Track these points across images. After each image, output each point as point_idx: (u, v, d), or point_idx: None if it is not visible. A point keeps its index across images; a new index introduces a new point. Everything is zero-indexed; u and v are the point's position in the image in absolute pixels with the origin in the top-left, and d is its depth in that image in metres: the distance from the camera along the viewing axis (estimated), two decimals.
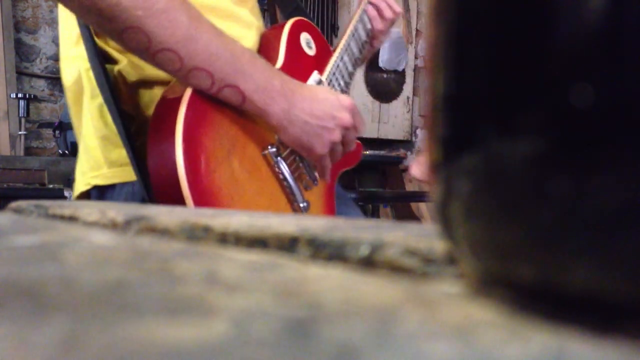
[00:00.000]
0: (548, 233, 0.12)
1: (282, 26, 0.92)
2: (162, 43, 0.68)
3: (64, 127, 2.72)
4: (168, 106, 0.73)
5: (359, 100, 3.46)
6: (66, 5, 0.69)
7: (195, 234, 0.25)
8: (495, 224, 0.13)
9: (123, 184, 0.79)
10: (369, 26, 1.04)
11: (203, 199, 0.69)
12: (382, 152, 3.14)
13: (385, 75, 3.52)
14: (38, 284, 0.14)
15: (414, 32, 3.60)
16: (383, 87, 3.54)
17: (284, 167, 0.80)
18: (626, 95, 0.11)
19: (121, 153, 0.78)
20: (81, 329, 0.11)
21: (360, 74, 3.44)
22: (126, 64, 0.79)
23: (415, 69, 3.64)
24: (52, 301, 0.13)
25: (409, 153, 3.68)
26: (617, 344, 0.11)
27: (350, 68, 0.98)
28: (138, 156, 0.76)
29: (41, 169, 2.06)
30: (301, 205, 0.82)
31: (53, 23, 3.28)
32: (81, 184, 0.82)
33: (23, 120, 2.89)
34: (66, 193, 1.81)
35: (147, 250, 0.21)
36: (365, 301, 0.14)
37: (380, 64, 3.44)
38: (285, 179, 0.80)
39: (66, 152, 2.68)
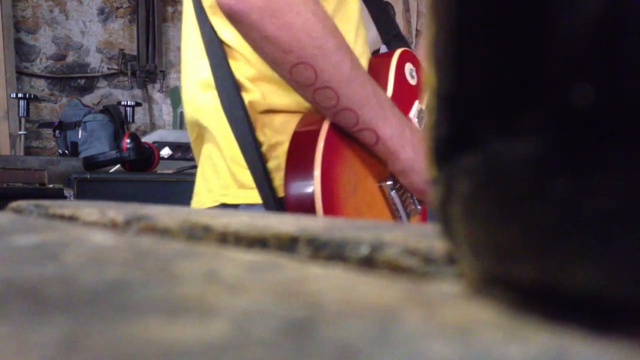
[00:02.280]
0: (548, 233, 0.12)
1: (390, 56, 0.96)
2: (326, 81, 0.74)
3: (64, 127, 2.72)
4: (306, 140, 0.79)
5: None
6: (245, 33, 0.73)
7: (195, 234, 0.25)
8: (495, 224, 0.13)
9: (247, 206, 0.83)
10: None
11: None
12: None
13: None
14: (38, 284, 0.14)
15: (414, 32, 3.60)
16: None
17: (397, 199, 0.87)
18: (626, 95, 0.11)
19: (249, 176, 0.82)
20: (81, 329, 0.11)
21: None
22: (259, 95, 0.84)
23: None
24: (52, 301, 0.13)
25: None
26: (617, 344, 0.11)
27: None
28: (266, 181, 0.81)
29: (41, 169, 2.06)
30: None
31: (53, 23, 3.28)
32: (208, 200, 0.87)
33: (23, 120, 2.89)
34: (66, 193, 1.81)
35: (147, 250, 0.21)
36: (365, 301, 0.14)
37: None
38: (397, 209, 0.87)
39: (66, 152, 2.68)
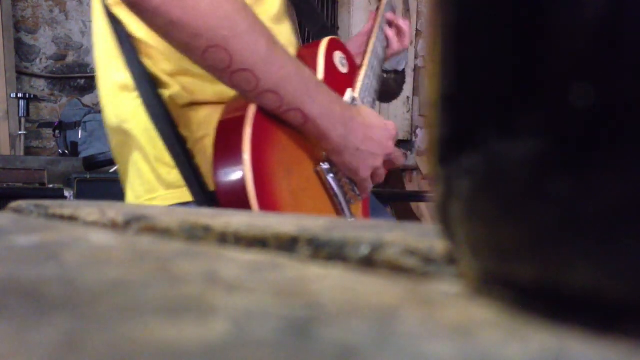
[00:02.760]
0: (548, 233, 0.12)
1: (317, 44, 0.94)
2: (242, 63, 0.70)
3: (63, 127, 2.72)
4: (232, 127, 0.75)
5: None
6: (150, 20, 0.70)
7: (195, 234, 0.25)
8: (495, 223, 0.13)
9: (180, 205, 0.81)
10: (385, 44, 1.10)
11: None
12: None
13: (385, 75, 3.52)
14: (38, 284, 0.14)
15: (414, 32, 3.60)
16: (383, 86, 3.54)
17: (335, 183, 0.83)
18: (626, 95, 0.11)
19: (176, 175, 0.80)
20: (81, 329, 0.11)
21: None
22: (178, 89, 0.82)
23: (415, 69, 3.64)
24: (52, 301, 0.13)
25: (409, 153, 3.68)
26: (617, 344, 0.11)
27: (375, 85, 1.03)
28: (195, 177, 0.78)
29: (41, 169, 2.05)
30: (349, 219, 0.85)
31: (53, 23, 3.28)
32: None
33: (23, 120, 2.89)
34: (66, 193, 1.81)
35: (147, 250, 0.21)
36: (365, 301, 0.14)
37: None
38: (335, 194, 0.83)
39: (66, 152, 2.68)
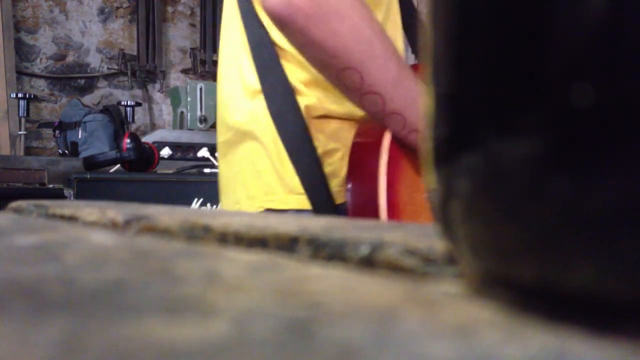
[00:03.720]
0: (548, 233, 0.12)
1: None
2: (372, 86, 0.74)
3: (64, 127, 2.72)
4: (369, 150, 0.81)
5: None
6: (292, 37, 0.73)
7: (195, 234, 0.25)
8: (495, 223, 0.13)
9: (296, 212, 0.83)
10: None
11: None
12: None
13: None
14: (38, 284, 0.14)
15: None
16: None
17: None
18: (627, 95, 0.11)
19: (298, 182, 0.82)
20: (81, 329, 0.11)
21: None
22: (315, 99, 0.84)
23: None
24: (52, 301, 0.13)
25: None
26: (617, 344, 0.11)
27: None
28: (324, 186, 0.82)
29: (41, 169, 2.05)
30: None
31: (53, 23, 3.29)
32: (251, 207, 0.86)
33: (23, 120, 2.89)
34: (66, 193, 1.81)
35: (147, 250, 0.21)
36: (365, 301, 0.14)
37: None
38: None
39: (66, 152, 2.68)
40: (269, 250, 0.22)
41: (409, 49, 1.07)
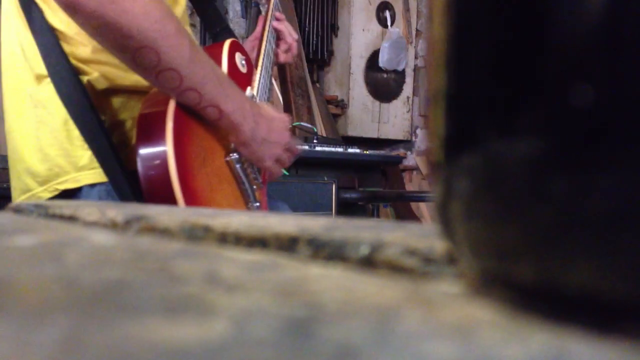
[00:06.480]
0: (548, 233, 0.12)
1: (221, 46, 1.05)
2: (169, 63, 0.78)
3: None
4: (154, 120, 0.83)
5: (359, 100, 3.46)
6: (84, 22, 0.75)
7: (195, 234, 0.25)
8: (495, 223, 0.13)
9: (90, 186, 0.86)
10: (274, 46, 1.24)
11: (192, 202, 0.81)
12: (382, 152, 3.14)
13: (385, 75, 3.52)
14: (38, 284, 0.14)
15: (414, 32, 3.60)
16: (383, 87, 3.54)
17: (242, 173, 0.95)
18: (626, 95, 0.11)
19: (90, 157, 0.86)
20: (81, 329, 0.11)
21: (360, 74, 3.44)
22: (97, 75, 0.87)
23: (415, 69, 3.64)
24: (52, 301, 0.13)
25: (409, 153, 3.68)
26: (617, 344, 0.11)
27: (268, 83, 1.17)
28: (115, 156, 0.85)
29: None
30: (255, 205, 0.98)
31: None
32: (44, 192, 0.88)
33: None
34: None
35: (147, 250, 0.21)
36: (365, 301, 0.14)
37: (380, 64, 3.43)
38: (242, 182, 0.96)
39: None
40: (268, 250, 0.22)
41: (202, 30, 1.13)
